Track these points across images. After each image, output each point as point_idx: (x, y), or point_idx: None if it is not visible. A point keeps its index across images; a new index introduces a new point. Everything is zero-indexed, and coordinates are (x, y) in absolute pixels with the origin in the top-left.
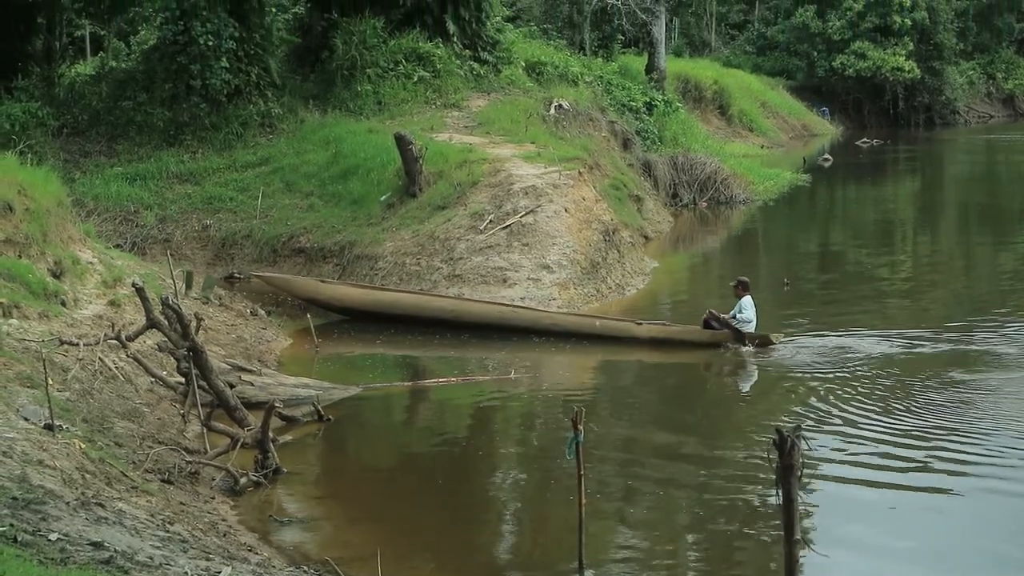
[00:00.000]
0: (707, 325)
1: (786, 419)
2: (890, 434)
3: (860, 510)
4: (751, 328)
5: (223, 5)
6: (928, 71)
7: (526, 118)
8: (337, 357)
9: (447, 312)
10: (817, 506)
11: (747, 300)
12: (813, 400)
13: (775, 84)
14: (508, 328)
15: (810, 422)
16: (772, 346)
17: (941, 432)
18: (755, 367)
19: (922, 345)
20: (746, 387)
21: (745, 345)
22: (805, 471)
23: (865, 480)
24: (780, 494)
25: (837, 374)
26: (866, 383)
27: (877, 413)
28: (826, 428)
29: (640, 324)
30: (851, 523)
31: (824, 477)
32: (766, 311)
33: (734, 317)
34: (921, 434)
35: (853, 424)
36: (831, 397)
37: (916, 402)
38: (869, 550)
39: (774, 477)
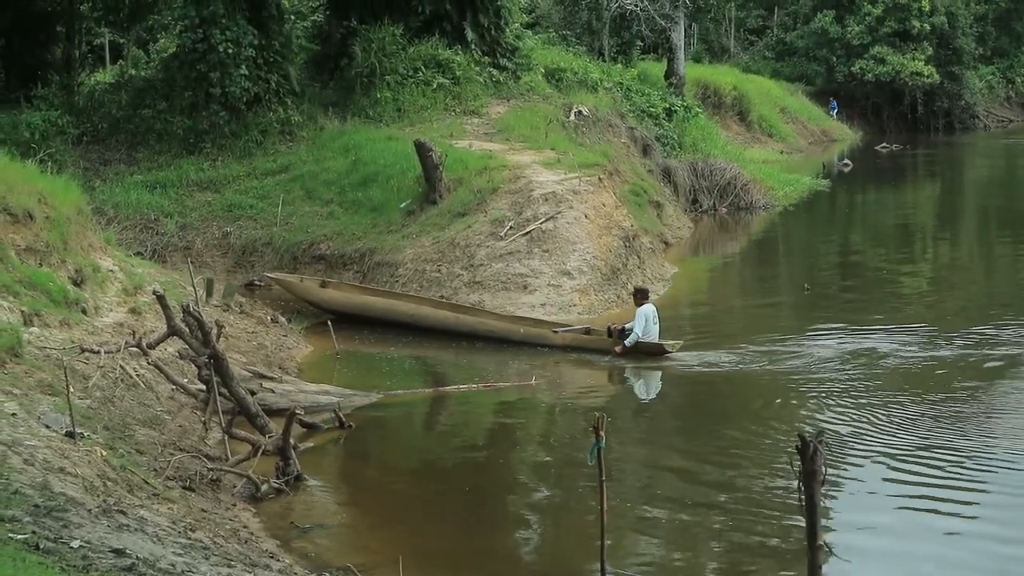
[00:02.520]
0: (610, 334)
1: (808, 425)
2: (912, 439)
3: (882, 516)
4: (650, 337)
5: (242, 13)
6: (947, 76)
7: (546, 124)
8: (358, 363)
9: (407, 316)
10: (838, 512)
11: (642, 310)
12: (832, 405)
13: (794, 89)
14: (460, 333)
15: (832, 427)
16: (667, 354)
17: (964, 439)
18: (779, 372)
19: (945, 350)
20: (768, 393)
21: (663, 355)
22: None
23: (889, 486)
24: (803, 500)
25: (858, 379)
26: (889, 388)
27: (900, 417)
28: (848, 432)
29: (556, 332)
30: (873, 528)
31: (848, 481)
32: (787, 315)
33: (623, 331)
34: (944, 440)
35: (876, 428)
36: (851, 402)
37: (940, 408)
38: (892, 557)
39: (796, 483)
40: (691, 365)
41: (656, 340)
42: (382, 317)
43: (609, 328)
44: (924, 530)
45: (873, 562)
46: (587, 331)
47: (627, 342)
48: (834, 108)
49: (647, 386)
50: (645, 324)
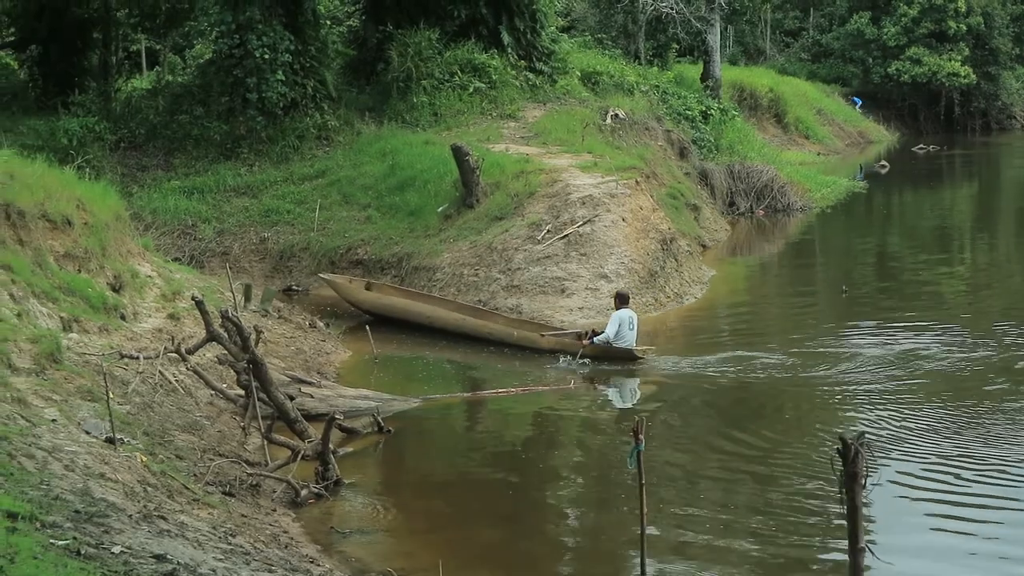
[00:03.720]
0: (586, 336)
1: (849, 428)
2: (953, 442)
3: (923, 517)
4: (624, 342)
5: (279, 18)
6: (984, 76)
7: (582, 128)
8: (396, 367)
9: (425, 318)
10: (879, 514)
11: (618, 314)
12: (871, 408)
13: (831, 91)
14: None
15: (871, 430)
16: (640, 360)
17: (1004, 442)
18: (816, 375)
19: (982, 351)
20: (807, 396)
21: (632, 360)
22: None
23: (929, 488)
24: (844, 502)
25: (896, 381)
26: (927, 391)
27: (943, 422)
28: (887, 435)
29: (544, 336)
30: (915, 530)
31: (889, 484)
32: (825, 318)
33: (589, 335)
34: (985, 442)
35: (916, 431)
36: (888, 405)
37: (984, 411)
38: (934, 557)
39: (837, 485)
40: (726, 369)
41: (630, 346)
42: (402, 318)
43: (587, 332)
44: (966, 530)
45: (915, 561)
46: (578, 336)
47: (597, 339)
48: (857, 103)
49: (683, 389)
50: (619, 328)
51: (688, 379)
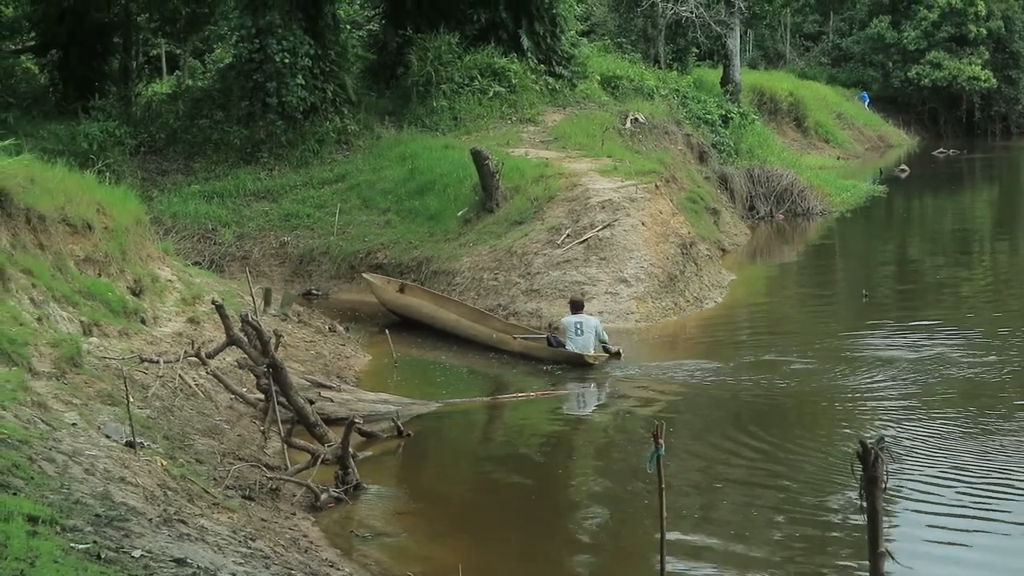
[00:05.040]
0: (549, 343)
1: (869, 432)
2: (977, 449)
3: (944, 522)
4: (574, 347)
5: (299, 23)
6: (1004, 80)
7: (602, 132)
8: (416, 371)
9: (428, 317)
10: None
11: (566, 320)
12: (891, 413)
13: (850, 95)
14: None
15: (892, 434)
16: (590, 366)
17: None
18: (837, 380)
19: (1004, 356)
20: (827, 400)
21: (585, 366)
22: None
23: (950, 494)
24: (864, 507)
25: (917, 385)
26: (948, 395)
27: (966, 428)
28: (909, 440)
29: (515, 338)
30: (935, 536)
31: (909, 489)
32: (845, 322)
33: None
34: (1009, 449)
35: (938, 437)
36: (912, 411)
37: (1008, 418)
38: (954, 563)
39: (857, 490)
40: (747, 374)
41: (581, 350)
42: (412, 317)
43: (547, 338)
44: (985, 535)
45: (935, 567)
46: (547, 341)
47: (553, 339)
48: (864, 99)
49: (703, 394)
50: (569, 334)
51: (708, 383)
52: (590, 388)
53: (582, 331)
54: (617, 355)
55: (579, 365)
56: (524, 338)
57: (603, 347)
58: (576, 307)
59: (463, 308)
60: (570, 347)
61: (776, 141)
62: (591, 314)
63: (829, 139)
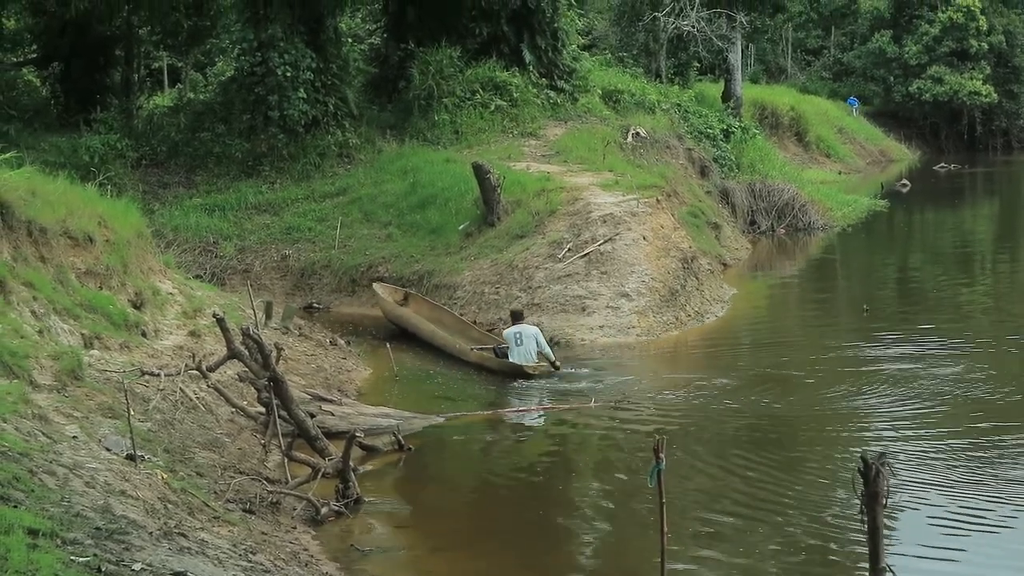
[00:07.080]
0: (495, 353)
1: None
2: (979, 464)
3: (945, 538)
4: (515, 358)
5: (300, 36)
6: (1006, 95)
7: (603, 146)
8: (417, 384)
9: (412, 326)
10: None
11: (507, 331)
12: (892, 429)
13: (852, 110)
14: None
15: (893, 450)
16: (530, 377)
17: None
18: (837, 395)
19: (1011, 371)
20: (827, 416)
21: (524, 377)
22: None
23: (951, 509)
24: (865, 522)
25: (917, 400)
26: (953, 414)
27: (967, 443)
28: (909, 456)
29: (472, 349)
30: (936, 551)
31: (910, 504)
32: (845, 336)
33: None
34: (1012, 463)
35: (939, 452)
36: (913, 426)
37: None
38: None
39: (859, 505)
40: (748, 389)
41: (522, 362)
42: (403, 327)
43: (494, 349)
44: (986, 550)
45: None
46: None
47: (499, 350)
48: (853, 104)
49: (704, 409)
50: (510, 344)
51: (707, 399)
52: (592, 404)
53: (521, 341)
54: (556, 368)
55: (519, 376)
56: (479, 349)
57: (547, 359)
58: (516, 317)
59: (450, 318)
60: (512, 358)
61: (777, 155)
62: (532, 324)
63: (830, 153)
